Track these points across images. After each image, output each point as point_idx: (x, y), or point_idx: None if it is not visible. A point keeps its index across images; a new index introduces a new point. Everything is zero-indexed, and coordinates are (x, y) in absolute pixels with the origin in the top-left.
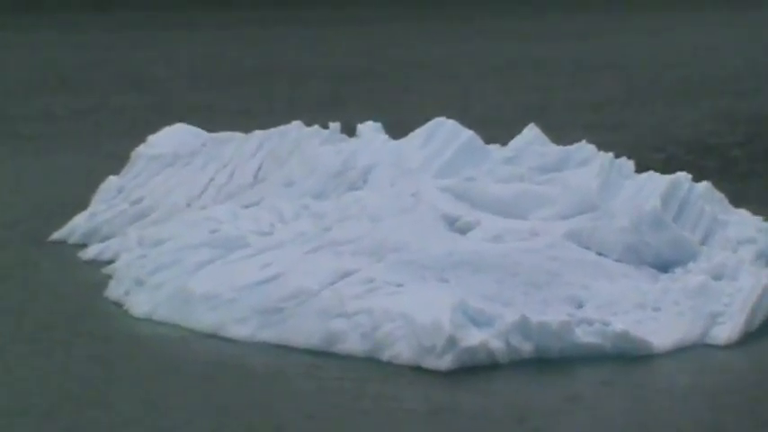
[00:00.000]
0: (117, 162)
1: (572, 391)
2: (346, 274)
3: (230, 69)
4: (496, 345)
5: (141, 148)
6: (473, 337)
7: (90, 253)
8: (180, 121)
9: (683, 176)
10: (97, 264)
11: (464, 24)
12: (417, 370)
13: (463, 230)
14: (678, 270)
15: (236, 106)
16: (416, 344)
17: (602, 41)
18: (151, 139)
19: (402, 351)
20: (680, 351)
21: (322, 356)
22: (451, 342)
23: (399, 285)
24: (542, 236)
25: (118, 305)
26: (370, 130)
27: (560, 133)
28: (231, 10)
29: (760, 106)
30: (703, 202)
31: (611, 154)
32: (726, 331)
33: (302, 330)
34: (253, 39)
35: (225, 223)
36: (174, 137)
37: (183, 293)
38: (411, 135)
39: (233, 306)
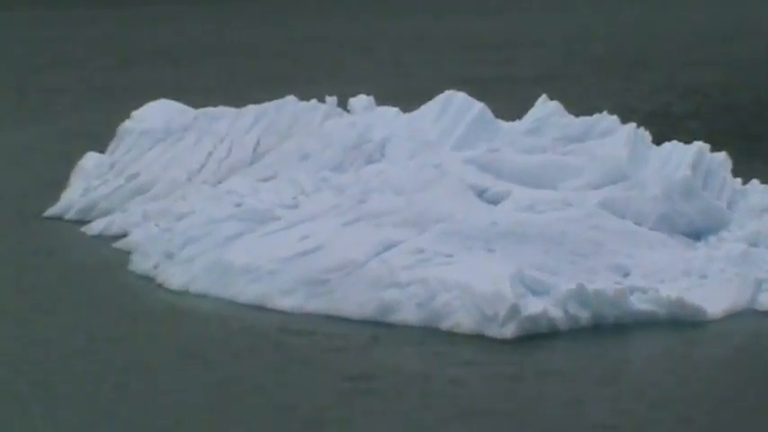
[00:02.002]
0: (80, 138)
1: (635, 355)
2: (391, 245)
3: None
4: (556, 313)
5: (128, 124)
6: (534, 306)
7: (95, 228)
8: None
9: (705, 146)
10: (104, 239)
11: (376, 2)
12: (480, 338)
13: (494, 201)
14: (711, 238)
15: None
16: (477, 313)
17: (524, 17)
18: (135, 114)
19: (462, 320)
20: (731, 317)
21: (378, 326)
22: (514, 311)
23: (449, 256)
24: (576, 206)
25: (148, 279)
26: (363, 103)
27: (520, 106)
28: None
29: (701, 77)
30: (724, 171)
31: (633, 124)
32: None
33: (353, 301)
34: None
35: (246, 197)
36: (159, 112)
37: (221, 265)
38: (423, 108)
39: (276, 277)
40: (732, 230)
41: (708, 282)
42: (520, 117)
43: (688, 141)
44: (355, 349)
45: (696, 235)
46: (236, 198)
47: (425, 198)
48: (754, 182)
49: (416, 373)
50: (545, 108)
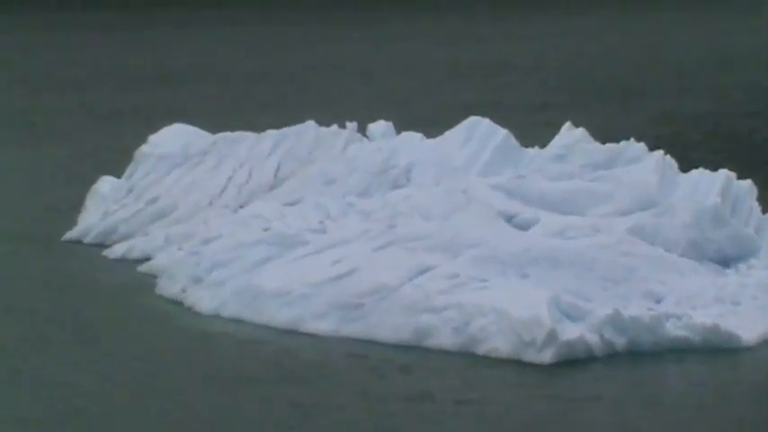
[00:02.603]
0: (89, 162)
1: (675, 380)
2: (425, 270)
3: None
4: (592, 338)
5: (145, 148)
6: (571, 331)
7: (116, 252)
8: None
9: (732, 174)
10: (126, 262)
11: (372, 30)
12: (518, 363)
13: (523, 227)
14: (741, 265)
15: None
16: (515, 338)
17: (512, 43)
18: (152, 138)
19: (499, 345)
20: (765, 344)
21: (415, 350)
22: (552, 336)
23: (483, 281)
24: (606, 232)
25: (176, 303)
26: (382, 129)
27: (524, 133)
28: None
29: (683, 106)
30: (751, 200)
31: (661, 151)
32: None
33: (388, 325)
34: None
35: (273, 221)
36: (176, 137)
37: (252, 290)
38: (447, 133)
39: (309, 301)
40: (761, 258)
41: (740, 309)
42: (526, 143)
43: (705, 168)
44: (397, 373)
45: (725, 262)
46: (262, 222)
47: (456, 223)
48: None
49: (464, 396)
50: (571, 135)
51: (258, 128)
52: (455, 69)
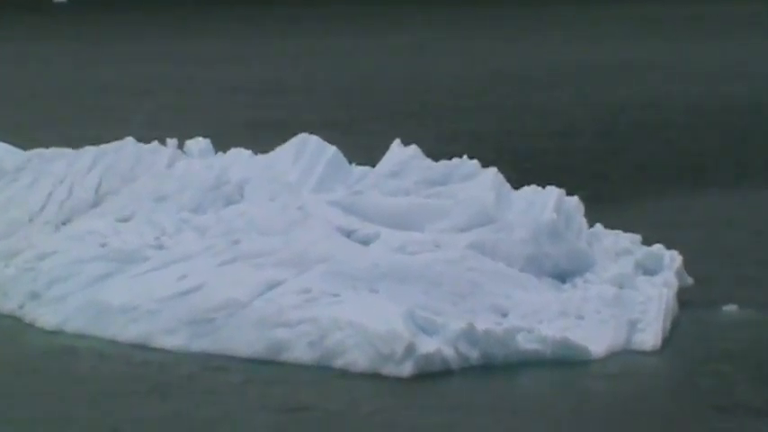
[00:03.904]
0: None
1: (530, 390)
2: (274, 285)
3: None
4: (448, 351)
5: None
6: (428, 345)
7: None
8: None
9: (562, 191)
10: None
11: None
12: (376, 376)
13: (363, 243)
14: (577, 280)
15: None
16: (373, 352)
17: (281, 63)
18: None
19: (357, 359)
20: (612, 356)
21: (271, 365)
22: (410, 349)
23: (336, 295)
24: (446, 248)
25: (14, 318)
26: (201, 145)
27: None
28: None
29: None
30: (579, 215)
31: (495, 168)
32: (649, 337)
33: (241, 340)
34: None
35: (109, 237)
36: None
37: (96, 305)
38: (278, 149)
39: (157, 317)
40: (596, 272)
41: (584, 322)
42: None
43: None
44: (261, 385)
45: (561, 277)
46: (97, 238)
47: (299, 239)
48: (598, 226)
49: (334, 407)
50: (403, 152)
51: (45, 144)
52: (226, 89)
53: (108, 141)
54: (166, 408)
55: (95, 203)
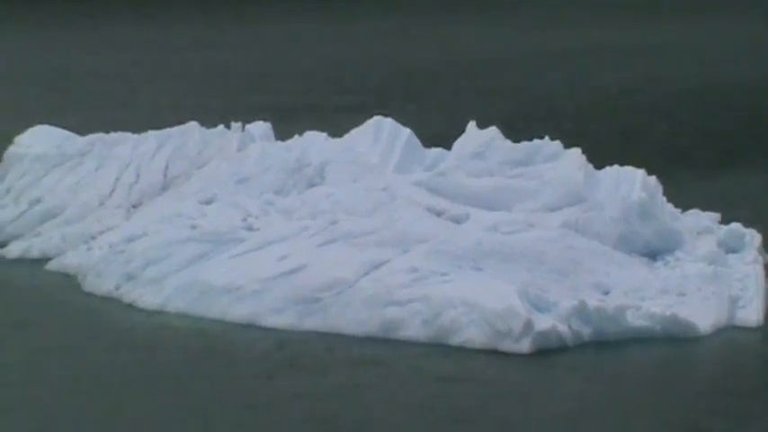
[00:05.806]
0: None
1: (647, 368)
2: (378, 264)
3: None
4: (562, 328)
5: (15, 150)
6: (544, 322)
7: (13, 252)
8: None
9: (643, 171)
10: (27, 262)
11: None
12: (495, 353)
13: (455, 222)
14: (669, 258)
15: None
16: (490, 329)
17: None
18: (19, 140)
19: (474, 336)
20: (718, 332)
21: (386, 343)
22: (528, 326)
23: (444, 274)
24: (539, 227)
25: (112, 300)
26: (261, 130)
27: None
28: None
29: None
30: (659, 195)
31: (579, 149)
32: (752, 314)
33: (352, 318)
34: None
35: (197, 219)
36: (45, 138)
37: (197, 285)
38: (353, 132)
39: (262, 297)
40: (686, 251)
41: (687, 299)
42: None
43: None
44: (396, 360)
45: (652, 255)
46: (185, 220)
47: (396, 219)
48: (669, 205)
49: (481, 377)
50: (483, 133)
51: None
52: (218, 73)
53: (135, 126)
54: (285, 382)
55: (165, 186)
